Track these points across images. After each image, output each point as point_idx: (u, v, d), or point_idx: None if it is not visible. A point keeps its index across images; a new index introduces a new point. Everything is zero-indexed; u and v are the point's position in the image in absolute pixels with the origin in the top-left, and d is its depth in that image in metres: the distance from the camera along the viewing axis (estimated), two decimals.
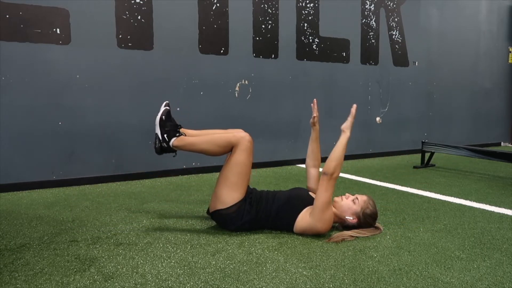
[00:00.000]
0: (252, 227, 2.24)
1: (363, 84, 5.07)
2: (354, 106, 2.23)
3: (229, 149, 2.25)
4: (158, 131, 2.29)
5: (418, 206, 2.83)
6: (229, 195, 2.19)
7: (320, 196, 2.09)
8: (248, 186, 2.35)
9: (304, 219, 2.16)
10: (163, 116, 2.30)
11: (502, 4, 6.41)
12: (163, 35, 3.75)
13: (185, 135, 2.32)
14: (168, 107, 2.37)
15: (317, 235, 2.17)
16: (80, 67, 3.42)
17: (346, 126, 2.21)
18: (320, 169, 2.55)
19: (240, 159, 2.20)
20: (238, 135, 2.23)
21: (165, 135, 2.28)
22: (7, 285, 1.63)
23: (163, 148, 2.30)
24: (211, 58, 4.02)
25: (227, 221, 2.23)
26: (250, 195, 2.26)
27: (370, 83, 5.13)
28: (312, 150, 2.49)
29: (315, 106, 2.44)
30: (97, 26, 3.46)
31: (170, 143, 2.28)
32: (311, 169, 2.50)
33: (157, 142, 2.29)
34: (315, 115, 2.43)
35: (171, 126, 2.30)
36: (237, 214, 2.19)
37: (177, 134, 2.30)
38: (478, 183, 3.63)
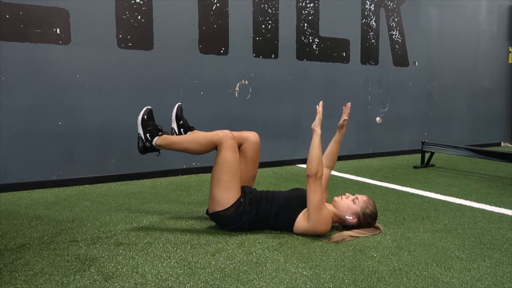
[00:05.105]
0: (251, 227, 2.24)
1: (363, 84, 5.07)
2: (321, 103, 2.23)
3: (212, 147, 2.27)
4: (140, 131, 2.31)
5: (418, 206, 2.83)
6: (225, 195, 2.19)
7: (311, 198, 2.09)
8: (248, 186, 2.35)
9: (303, 221, 2.16)
10: (145, 116, 2.33)
11: (502, 4, 6.41)
12: (163, 35, 3.75)
13: (168, 134, 2.34)
14: (149, 107, 2.38)
15: (317, 235, 2.17)
16: (80, 67, 3.42)
17: (315, 124, 2.18)
18: (332, 172, 2.53)
19: (226, 157, 2.21)
20: (220, 133, 2.25)
21: (147, 135, 2.30)
22: (7, 285, 1.63)
23: (146, 148, 2.32)
24: (211, 58, 4.02)
25: (226, 222, 2.23)
26: (250, 195, 2.26)
27: (370, 83, 5.13)
28: (331, 151, 2.46)
29: (348, 110, 2.38)
30: (97, 26, 3.46)
31: (153, 142, 2.30)
32: (324, 169, 2.48)
33: (140, 142, 2.32)
34: (346, 118, 2.38)
35: (153, 126, 2.32)
36: (236, 215, 2.19)
37: (160, 133, 2.32)
38: (478, 183, 3.63)
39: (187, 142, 2.31)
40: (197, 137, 2.32)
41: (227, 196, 2.19)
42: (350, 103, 2.43)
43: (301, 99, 4.58)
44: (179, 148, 2.32)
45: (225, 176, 2.20)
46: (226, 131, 2.27)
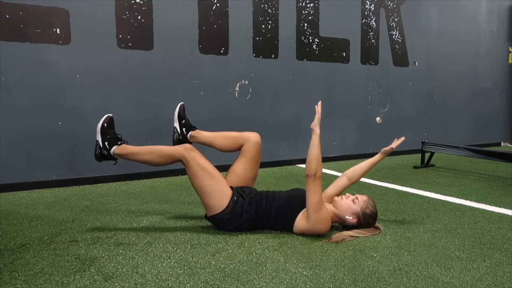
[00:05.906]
0: (251, 227, 2.24)
1: (363, 84, 5.07)
2: (319, 103, 2.23)
3: (172, 161, 2.25)
4: (99, 138, 2.29)
5: (418, 206, 2.83)
6: (216, 198, 2.19)
7: (310, 198, 2.08)
8: (248, 187, 2.35)
9: (303, 221, 2.16)
10: (105, 124, 2.31)
11: (502, 4, 6.41)
12: (163, 35, 3.75)
13: (127, 143, 2.32)
14: (110, 115, 2.36)
15: (317, 235, 2.17)
16: (80, 67, 3.42)
17: (314, 124, 2.18)
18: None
19: (197, 165, 2.19)
20: (181, 148, 2.23)
21: (106, 143, 2.28)
22: (7, 285, 1.63)
23: (103, 155, 2.29)
24: (211, 58, 4.02)
25: (224, 223, 2.22)
26: (250, 195, 2.26)
27: (370, 83, 5.13)
28: (361, 168, 2.48)
29: (399, 142, 2.46)
30: (97, 26, 3.46)
31: (111, 151, 2.28)
32: (344, 178, 2.47)
33: (97, 149, 2.29)
34: (393, 147, 2.46)
35: (112, 134, 2.31)
36: (233, 215, 2.19)
37: (119, 143, 2.30)
38: (478, 183, 3.63)
39: (147, 153, 2.28)
40: (157, 149, 2.29)
41: (218, 199, 2.19)
42: (404, 137, 2.48)
43: (301, 99, 4.58)
44: (138, 159, 2.29)
45: (205, 182, 2.19)
46: (186, 145, 2.26)
